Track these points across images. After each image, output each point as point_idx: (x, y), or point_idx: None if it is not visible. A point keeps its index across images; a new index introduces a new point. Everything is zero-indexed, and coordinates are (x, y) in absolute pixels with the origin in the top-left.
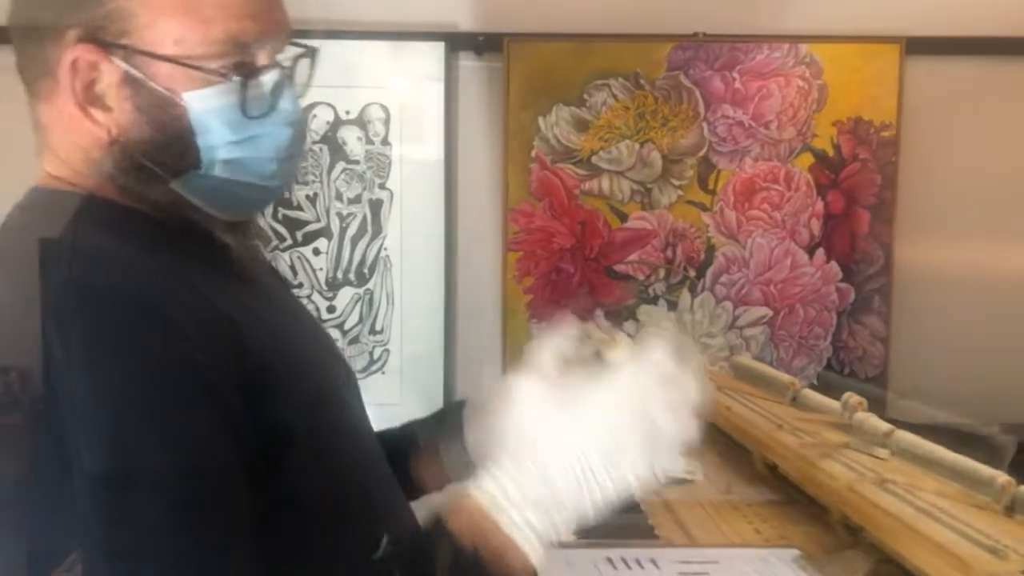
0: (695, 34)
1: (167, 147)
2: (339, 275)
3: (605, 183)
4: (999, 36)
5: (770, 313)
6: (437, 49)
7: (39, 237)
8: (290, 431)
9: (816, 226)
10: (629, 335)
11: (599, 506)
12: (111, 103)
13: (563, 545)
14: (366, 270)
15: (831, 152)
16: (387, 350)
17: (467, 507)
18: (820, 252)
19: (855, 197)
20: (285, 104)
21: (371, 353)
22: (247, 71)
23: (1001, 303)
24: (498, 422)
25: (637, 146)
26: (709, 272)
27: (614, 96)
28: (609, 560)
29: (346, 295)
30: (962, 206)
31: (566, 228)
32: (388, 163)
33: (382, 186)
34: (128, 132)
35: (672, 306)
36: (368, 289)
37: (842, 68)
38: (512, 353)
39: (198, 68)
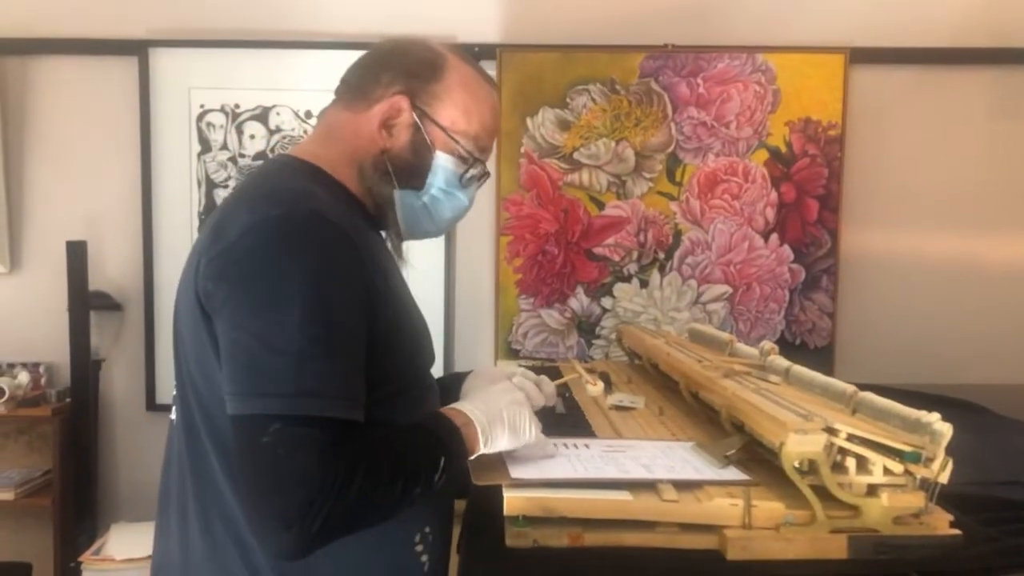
0: (664, 45)
1: (411, 169)
2: None
3: (585, 176)
4: (933, 47)
5: (730, 290)
6: None
7: (289, 182)
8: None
9: (770, 214)
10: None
11: (504, 441)
12: (395, 132)
13: None
14: None
15: (784, 149)
16: None
17: (453, 410)
18: (774, 236)
19: (805, 188)
20: (473, 190)
21: None
22: (471, 158)
23: (931, 282)
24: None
25: (613, 143)
26: (676, 254)
27: (593, 100)
28: (554, 445)
29: None
30: (899, 197)
31: (551, 215)
32: None
33: None
34: (394, 150)
35: (643, 284)
36: None
37: (794, 75)
38: (503, 322)
39: (455, 141)
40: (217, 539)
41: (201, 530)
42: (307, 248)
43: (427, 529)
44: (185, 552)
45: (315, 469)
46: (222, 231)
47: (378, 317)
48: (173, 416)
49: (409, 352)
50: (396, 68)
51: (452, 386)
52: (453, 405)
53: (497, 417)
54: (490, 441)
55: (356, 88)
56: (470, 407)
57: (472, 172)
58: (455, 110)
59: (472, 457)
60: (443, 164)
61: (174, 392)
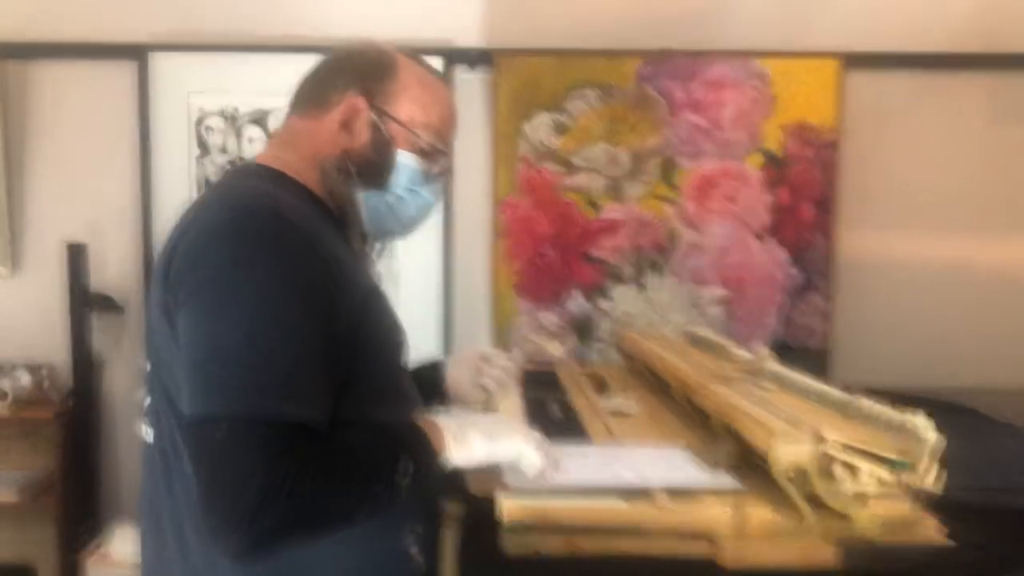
0: (660, 51)
1: (374, 168)
2: None
3: (582, 179)
4: (929, 52)
5: (726, 293)
6: (436, 62)
7: (251, 185)
8: (369, 359)
9: (766, 217)
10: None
11: (479, 438)
12: (355, 132)
13: None
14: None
15: (779, 153)
16: None
17: (431, 422)
18: (770, 240)
19: (801, 192)
20: (438, 187)
21: None
22: (434, 151)
23: (927, 285)
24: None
25: (610, 147)
26: (673, 257)
27: (590, 104)
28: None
29: None
30: (895, 201)
31: (548, 219)
32: None
33: None
34: (355, 149)
35: (640, 287)
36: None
37: (789, 80)
38: (501, 324)
39: (416, 135)
40: (197, 558)
41: (180, 549)
42: (263, 248)
43: (418, 527)
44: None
45: (265, 468)
46: (182, 237)
47: (341, 317)
48: (149, 438)
49: (381, 352)
50: (349, 73)
51: (426, 376)
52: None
53: (467, 422)
54: (461, 441)
55: (311, 98)
56: (439, 416)
57: (437, 168)
58: (412, 105)
59: (445, 459)
60: (406, 162)
61: (146, 403)
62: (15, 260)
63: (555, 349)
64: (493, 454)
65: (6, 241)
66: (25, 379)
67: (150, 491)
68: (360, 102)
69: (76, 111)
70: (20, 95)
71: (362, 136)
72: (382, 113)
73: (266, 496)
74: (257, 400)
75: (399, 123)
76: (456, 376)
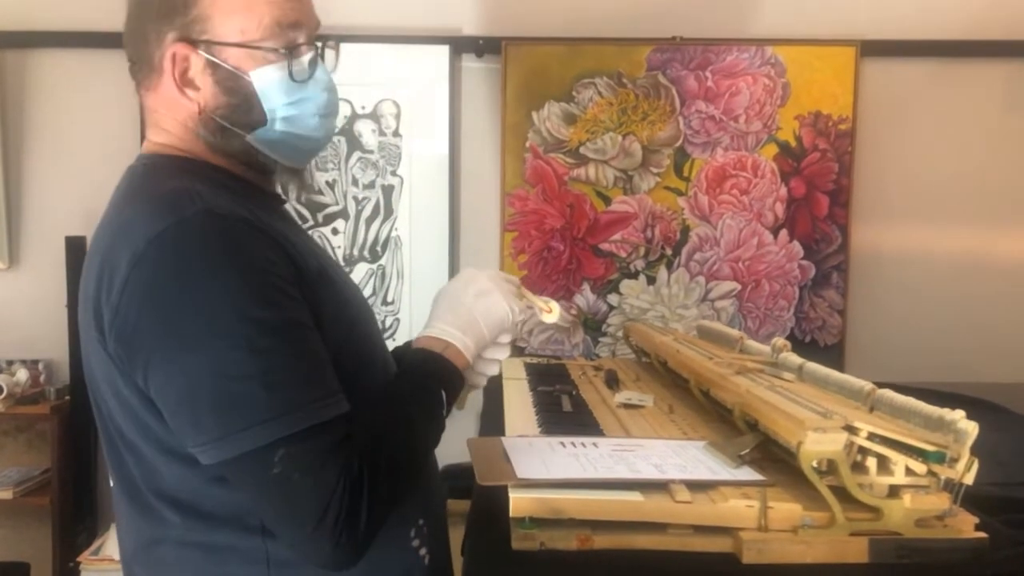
0: (672, 38)
1: (240, 110)
2: (355, 252)
3: (591, 171)
4: (946, 39)
5: (738, 287)
6: (442, 51)
7: (163, 185)
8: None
9: (780, 209)
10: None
11: (486, 333)
12: (199, 84)
13: (527, 435)
14: (379, 248)
15: (793, 143)
16: (397, 319)
17: (425, 338)
18: (783, 232)
19: (815, 183)
20: (321, 74)
21: (383, 321)
22: (290, 48)
23: (944, 279)
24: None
25: (620, 138)
26: (684, 250)
27: (599, 93)
28: (561, 443)
29: (361, 270)
30: (911, 192)
31: (556, 211)
32: (399, 153)
33: (393, 173)
34: (212, 102)
35: (651, 281)
36: (381, 265)
37: (804, 68)
38: None
39: (257, 48)
40: None
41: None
42: (212, 254)
43: (421, 522)
44: None
45: (337, 478)
46: (106, 260)
47: (308, 295)
48: (112, 481)
49: (353, 322)
50: (153, 17)
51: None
52: (424, 331)
53: (468, 320)
54: (476, 346)
55: (138, 62)
56: (440, 326)
57: (301, 62)
58: (235, 17)
59: (468, 368)
60: (269, 79)
61: (104, 451)
62: (13, 254)
63: (549, 316)
64: (502, 332)
65: (4, 234)
66: (22, 374)
67: (122, 533)
68: (181, 48)
69: (76, 101)
70: (19, 85)
71: (206, 85)
72: (209, 45)
73: (352, 506)
74: (292, 416)
75: (234, 46)
76: None
